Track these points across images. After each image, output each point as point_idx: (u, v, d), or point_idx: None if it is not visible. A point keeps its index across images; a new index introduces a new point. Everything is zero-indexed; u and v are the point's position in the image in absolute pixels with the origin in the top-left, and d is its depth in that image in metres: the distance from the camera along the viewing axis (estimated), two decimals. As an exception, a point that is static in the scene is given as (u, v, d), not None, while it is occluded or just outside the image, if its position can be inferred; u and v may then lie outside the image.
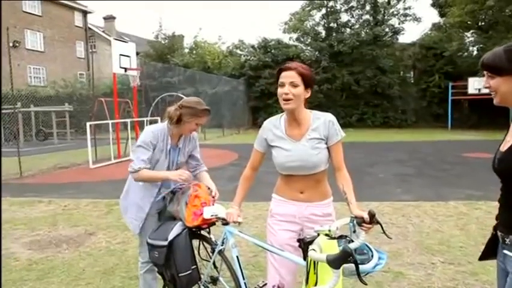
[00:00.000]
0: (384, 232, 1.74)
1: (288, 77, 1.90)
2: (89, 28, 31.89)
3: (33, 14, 26.07)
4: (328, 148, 2.01)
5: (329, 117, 2.02)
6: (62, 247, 4.18)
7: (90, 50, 30.89)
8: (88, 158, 10.00)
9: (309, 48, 25.78)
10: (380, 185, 7.18)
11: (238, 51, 26.80)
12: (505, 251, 1.50)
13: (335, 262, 1.25)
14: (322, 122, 1.99)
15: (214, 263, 2.47)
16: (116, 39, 12.20)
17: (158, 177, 2.51)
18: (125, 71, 11.38)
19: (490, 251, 1.62)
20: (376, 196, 6.14)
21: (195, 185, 2.43)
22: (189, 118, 2.43)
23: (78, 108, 20.54)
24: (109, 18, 34.54)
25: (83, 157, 10.86)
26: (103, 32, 33.16)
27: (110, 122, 11.32)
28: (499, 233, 1.55)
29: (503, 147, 1.52)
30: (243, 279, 2.20)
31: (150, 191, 2.55)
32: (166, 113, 2.48)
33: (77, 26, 30.35)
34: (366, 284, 1.40)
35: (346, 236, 1.64)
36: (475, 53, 22.26)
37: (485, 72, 1.49)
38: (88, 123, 10.34)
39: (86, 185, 7.88)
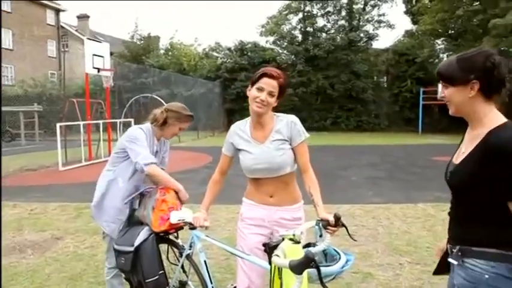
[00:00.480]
0: (349, 234, 1.77)
1: (270, 85, 1.92)
2: (62, 27, 31.10)
3: (2, 11, 25.16)
4: (293, 150, 2.02)
5: (291, 118, 2.04)
6: (27, 252, 4.03)
7: (62, 49, 30.12)
8: (57, 160, 9.70)
9: (285, 51, 26.06)
10: (352, 188, 7.30)
11: (215, 54, 26.74)
12: (450, 259, 1.43)
13: (297, 268, 1.24)
14: (285, 123, 2.02)
15: (182, 267, 2.44)
16: (89, 38, 11.97)
17: (168, 183, 2.42)
18: (98, 71, 11.13)
19: (444, 266, 1.55)
20: (348, 199, 6.23)
21: (162, 189, 2.38)
22: (174, 121, 2.53)
23: (48, 108, 19.94)
24: (83, 17, 33.81)
25: (52, 159, 10.52)
26: (76, 31, 32.41)
27: (81, 123, 11.04)
28: (448, 246, 1.49)
29: (457, 159, 1.45)
30: (211, 283, 2.19)
31: (130, 193, 2.51)
32: (152, 115, 2.55)
33: (48, 24, 29.55)
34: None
35: (314, 244, 1.66)
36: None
37: (441, 81, 1.44)
38: (58, 124, 10.04)
39: (54, 187, 7.65)
